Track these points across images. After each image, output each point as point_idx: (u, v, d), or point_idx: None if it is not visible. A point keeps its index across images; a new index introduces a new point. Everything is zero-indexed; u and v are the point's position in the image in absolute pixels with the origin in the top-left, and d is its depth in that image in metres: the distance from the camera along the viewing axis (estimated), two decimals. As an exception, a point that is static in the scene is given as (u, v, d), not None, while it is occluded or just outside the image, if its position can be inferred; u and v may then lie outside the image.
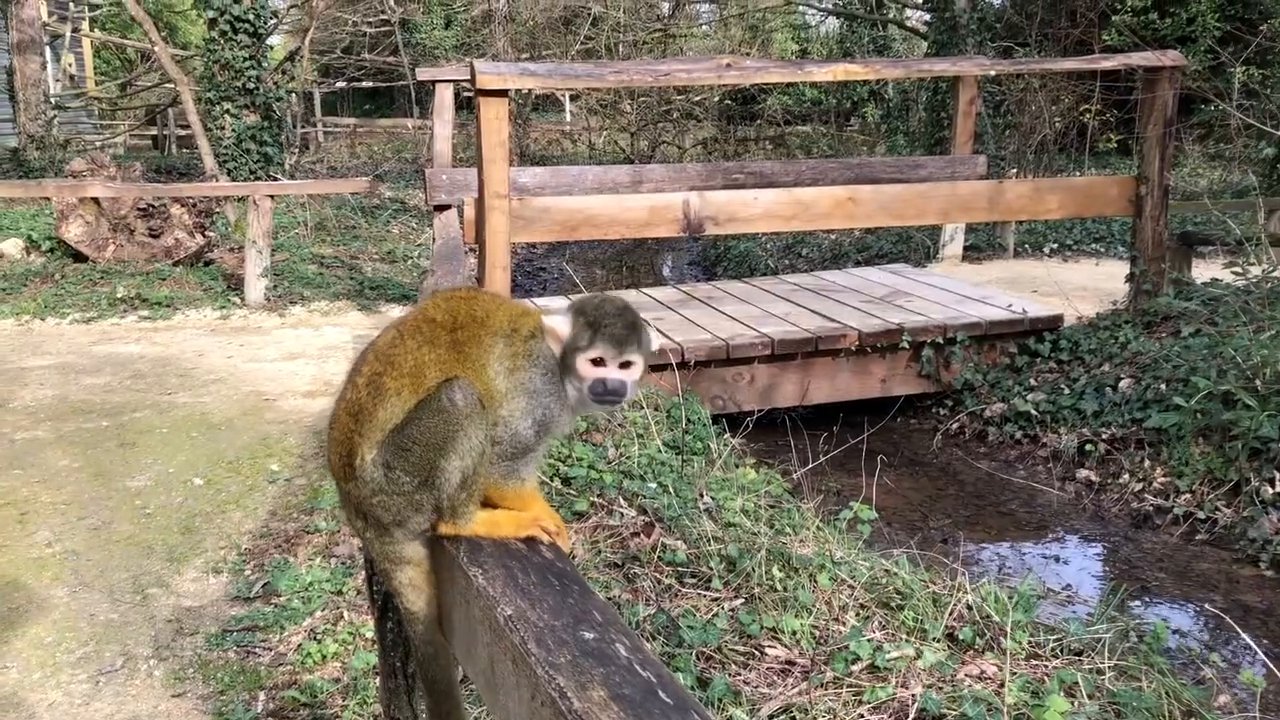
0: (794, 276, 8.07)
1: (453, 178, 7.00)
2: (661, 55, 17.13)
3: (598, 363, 1.34)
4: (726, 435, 4.92)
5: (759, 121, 18.13)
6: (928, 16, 15.18)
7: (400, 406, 1.30)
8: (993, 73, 9.17)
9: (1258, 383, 4.63)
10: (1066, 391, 5.59)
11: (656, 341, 1.47)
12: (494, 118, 5.03)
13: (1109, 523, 4.77)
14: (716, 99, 17.69)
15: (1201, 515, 4.51)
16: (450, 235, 5.33)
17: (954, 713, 2.47)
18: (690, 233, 5.62)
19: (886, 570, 3.21)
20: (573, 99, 21.26)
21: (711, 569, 3.16)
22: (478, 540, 1.31)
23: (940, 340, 6.03)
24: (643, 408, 4.80)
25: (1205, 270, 6.91)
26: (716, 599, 3.03)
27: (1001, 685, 2.59)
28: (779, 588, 3.02)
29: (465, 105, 13.48)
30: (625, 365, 1.35)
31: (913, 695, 2.53)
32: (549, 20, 17.74)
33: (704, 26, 21.97)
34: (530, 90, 16.08)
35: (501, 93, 5.03)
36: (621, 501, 3.67)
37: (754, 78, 7.24)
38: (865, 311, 6.38)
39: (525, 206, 5.31)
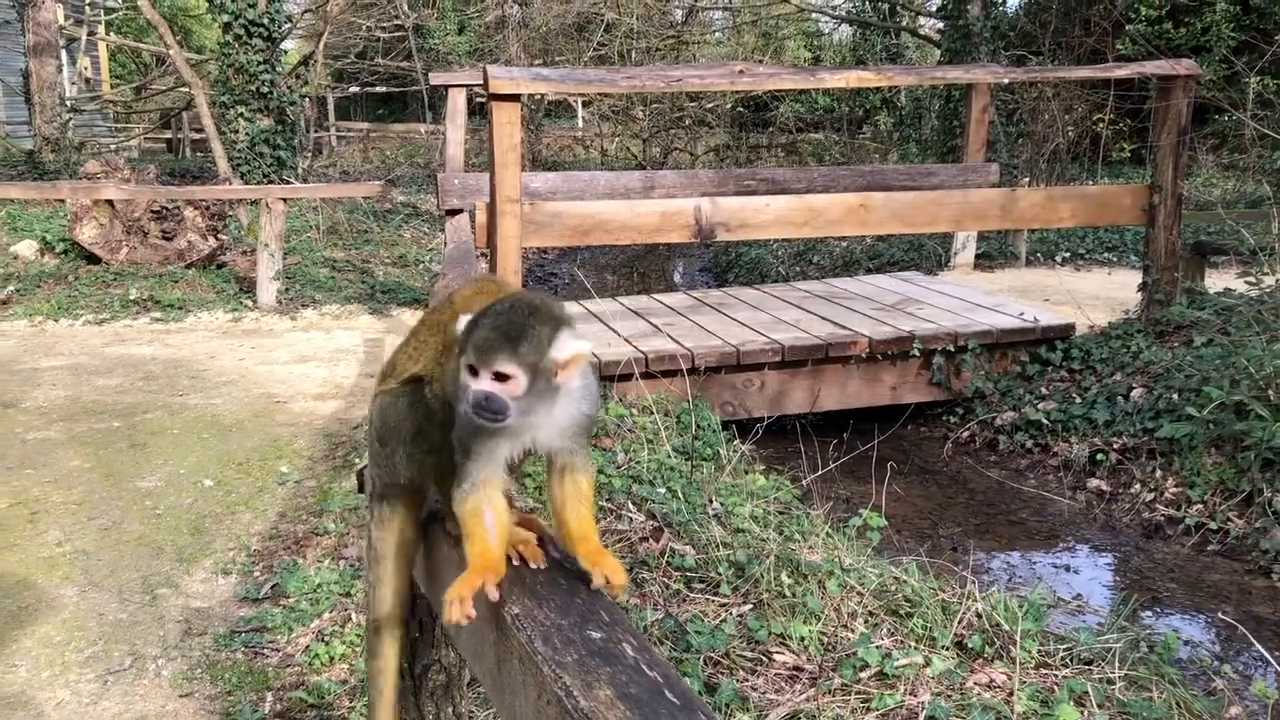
0: (805, 283, 8.06)
1: (465, 182, 7.01)
2: (674, 62, 17.14)
3: (472, 370, 1.15)
4: (736, 441, 4.92)
5: (771, 129, 18.13)
6: (941, 24, 15.17)
7: (404, 372, 1.36)
8: (1006, 80, 9.16)
9: (1270, 393, 4.60)
10: (1078, 400, 5.56)
11: (572, 349, 1.17)
12: (506, 122, 5.03)
13: (1120, 532, 4.75)
14: (729, 106, 17.70)
15: (1213, 526, 4.49)
16: (462, 239, 5.34)
17: (962, 721, 2.46)
18: (702, 238, 5.62)
19: (895, 578, 3.20)
20: (585, 105, 21.30)
21: (720, 574, 3.15)
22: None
23: (951, 348, 6.01)
24: (652, 413, 4.80)
25: (1219, 280, 6.88)
26: (725, 604, 3.02)
27: (1010, 694, 2.58)
28: (788, 594, 3.01)
29: (477, 111, 13.51)
30: (500, 377, 1.14)
31: (921, 703, 2.52)
32: (562, 26, 17.76)
33: (717, 34, 21.99)
34: (543, 96, 16.10)
35: (514, 97, 5.04)
36: (630, 506, 3.67)
37: (767, 84, 7.24)
38: (876, 319, 6.36)
39: (537, 211, 5.31)
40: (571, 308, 6.91)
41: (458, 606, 1.13)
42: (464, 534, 1.20)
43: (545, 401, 1.17)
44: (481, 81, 5.27)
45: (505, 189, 5.08)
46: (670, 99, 16.36)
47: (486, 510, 1.19)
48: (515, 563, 1.24)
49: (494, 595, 1.13)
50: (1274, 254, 5.80)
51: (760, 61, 16.66)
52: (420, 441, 1.28)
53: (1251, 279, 5.72)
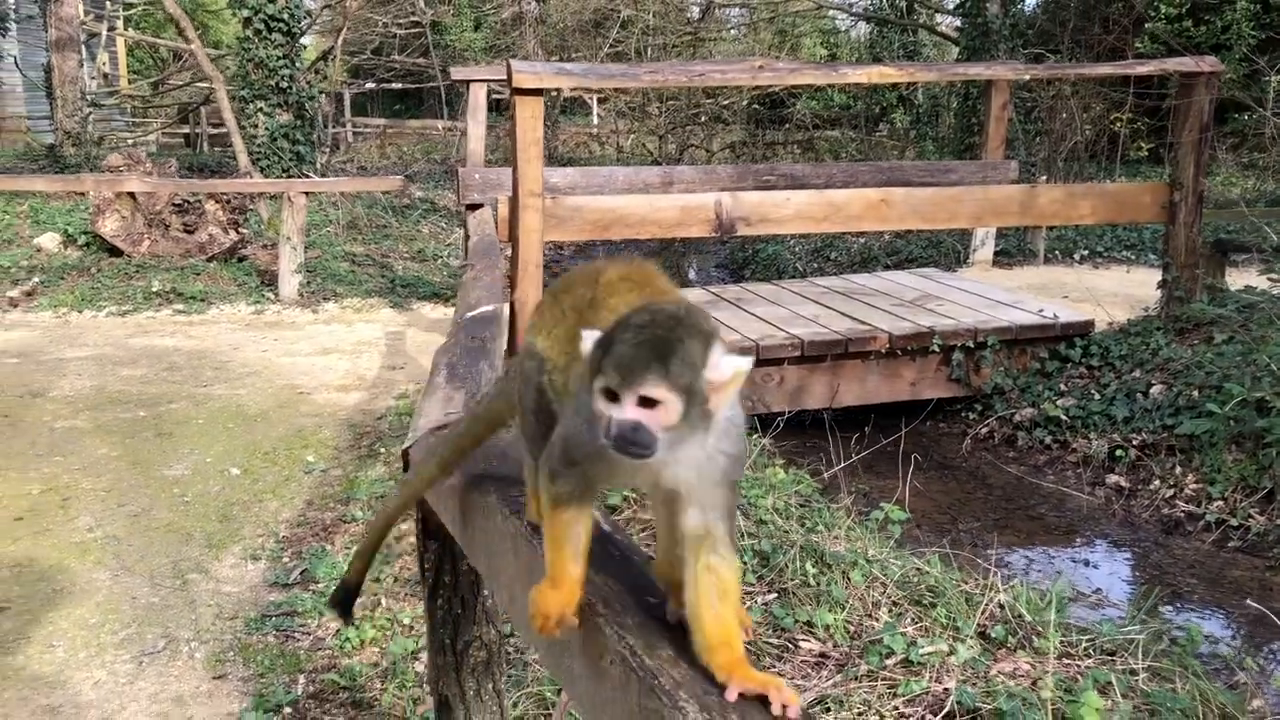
0: (823, 279, 8.07)
1: (485, 177, 7.05)
2: (691, 58, 17.14)
3: (609, 395, 0.96)
4: (756, 435, 4.95)
5: (787, 126, 18.12)
6: (959, 22, 15.14)
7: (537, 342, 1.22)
8: (1027, 77, 9.15)
9: (1292, 390, 4.61)
10: (1097, 397, 5.57)
11: (731, 367, 0.96)
12: (529, 117, 5.06)
13: (1139, 528, 4.76)
14: (745, 103, 17.69)
15: (1234, 522, 4.49)
16: (486, 232, 5.37)
17: (989, 707, 2.48)
18: (722, 233, 5.64)
19: (918, 569, 3.22)
20: (600, 102, 21.32)
21: (744, 563, 3.18)
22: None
23: (970, 344, 6.03)
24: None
25: (1240, 278, 6.87)
26: (750, 592, 3.05)
27: (1035, 682, 2.60)
28: (812, 583, 3.04)
29: (493, 108, 13.54)
30: (647, 403, 0.94)
31: (946, 689, 2.55)
32: (579, 23, 17.79)
33: (733, 31, 21.98)
34: (559, 93, 16.13)
35: (537, 92, 5.07)
36: (654, 496, 3.69)
37: (787, 79, 7.27)
38: (895, 314, 6.38)
39: (558, 205, 5.34)
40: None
41: (543, 631, 1.04)
42: (549, 539, 1.07)
43: (695, 435, 0.97)
44: (503, 77, 5.31)
45: (527, 183, 5.11)
46: (686, 96, 16.36)
47: (578, 527, 1.06)
48: None
49: (573, 623, 1.04)
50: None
51: (777, 58, 16.65)
52: (540, 415, 1.17)
53: (1275, 276, 5.72)
